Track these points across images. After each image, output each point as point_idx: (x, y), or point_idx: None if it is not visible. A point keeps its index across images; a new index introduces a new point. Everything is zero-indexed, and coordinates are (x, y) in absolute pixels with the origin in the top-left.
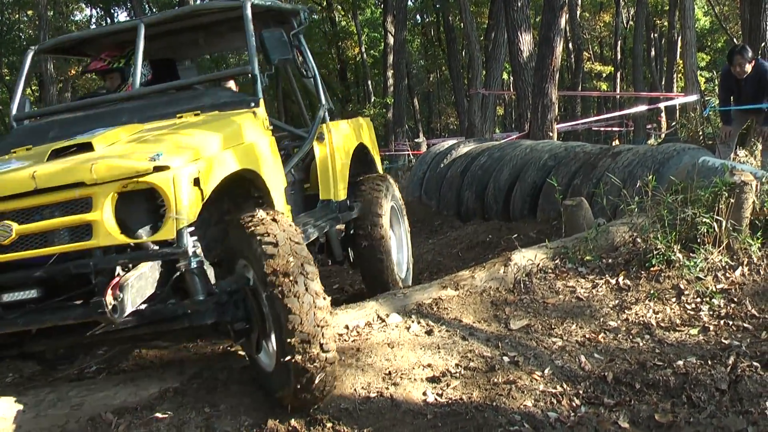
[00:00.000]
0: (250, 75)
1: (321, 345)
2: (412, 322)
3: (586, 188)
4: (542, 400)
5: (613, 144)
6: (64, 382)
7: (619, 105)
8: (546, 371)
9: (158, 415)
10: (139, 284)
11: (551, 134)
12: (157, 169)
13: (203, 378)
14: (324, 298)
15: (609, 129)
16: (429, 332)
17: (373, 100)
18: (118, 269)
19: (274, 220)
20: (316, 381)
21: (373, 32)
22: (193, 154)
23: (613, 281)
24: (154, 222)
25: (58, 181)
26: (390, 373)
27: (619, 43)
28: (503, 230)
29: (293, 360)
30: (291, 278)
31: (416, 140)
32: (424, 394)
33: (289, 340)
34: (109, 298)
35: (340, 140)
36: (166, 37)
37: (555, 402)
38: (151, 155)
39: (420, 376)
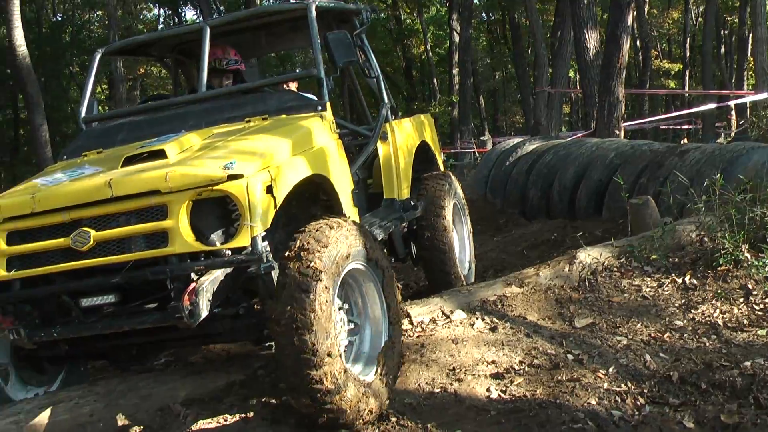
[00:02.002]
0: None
1: None
2: (477, 318)
3: (652, 187)
4: (606, 399)
5: (682, 143)
6: (134, 374)
7: (688, 103)
8: (610, 370)
9: (225, 406)
10: (213, 289)
11: (618, 132)
12: (231, 177)
13: (268, 371)
14: None
15: (677, 127)
16: (493, 329)
17: (438, 98)
18: (193, 275)
19: None
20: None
21: (439, 30)
22: (265, 162)
23: (680, 280)
24: (226, 228)
25: (133, 189)
26: (454, 369)
27: (687, 40)
28: (568, 228)
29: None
30: None
31: (482, 138)
32: (488, 390)
33: None
34: (185, 304)
35: (402, 139)
36: (229, 36)
37: (619, 401)
38: (224, 163)
39: (484, 373)
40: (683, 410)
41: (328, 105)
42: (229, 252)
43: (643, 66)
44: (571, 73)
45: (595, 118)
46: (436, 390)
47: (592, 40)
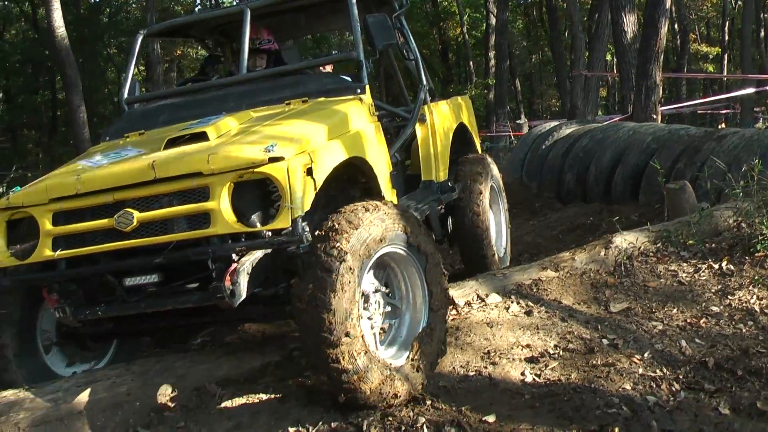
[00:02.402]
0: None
1: None
2: (512, 302)
3: (689, 172)
4: (641, 384)
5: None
6: (171, 354)
7: (726, 87)
8: (645, 355)
9: (260, 387)
10: (253, 270)
11: (655, 117)
12: (272, 159)
13: (303, 352)
14: None
15: (715, 112)
16: (528, 313)
17: (474, 80)
18: (234, 255)
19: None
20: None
21: (475, 12)
22: (305, 144)
23: (716, 266)
24: (266, 210)
25: (176, 171)
26: (489, 352)
27: (726, 23)
28: (604, 213)
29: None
30: None
31: (517, 121)
32: (523, 374)
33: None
34: (227, 284)
35: (440, 121)
36: (267, 19)
37: (654, 386)
38: (265, 146)
39: (519, 356)
40: (719, 397)
41: (367, 88)
42: (270, 233)
43: (681, 50)
44: (608, 57)
45: (632, 102)
46: (471, 373)
47: (630, 23)
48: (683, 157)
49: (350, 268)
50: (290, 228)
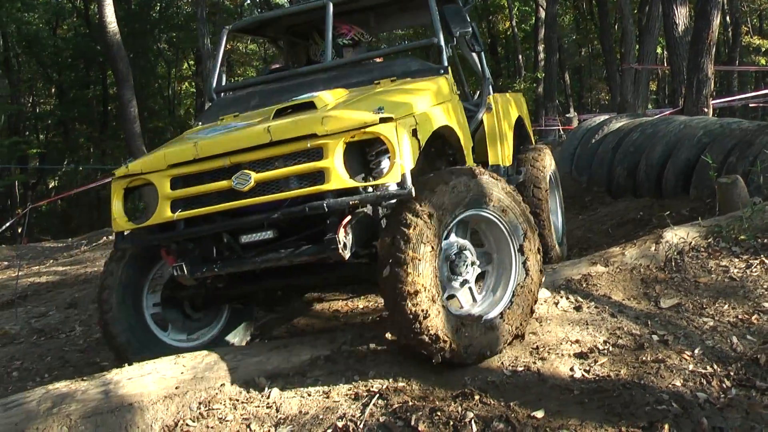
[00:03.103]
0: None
1: None
2: (561, 297)
3: (741, 166)
4: (691, 381)
5: None
6: (220, 347)
7: None
8: (696, 351)
9: (309, 380)
10: (363, 224)
11: (706, 110)
12: (383, 120)
13: (353, 347)
14: None
15: (767, 105)
16: (577, 308)
17: (523, 74)
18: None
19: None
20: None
21: (524, 6)
22: (409, 109)
23: None
24: (374, 168)
25: (291, 134)
26: (537, 347)
27: None
28: (655, 207)
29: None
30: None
31: (567, 115)
32: (572, 369)
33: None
34: (341, 236)
35: (504, 110)
36: (347, 15)
37: (704, 383)
38: (374, 109)
39: (567, 352)
40: None
41: (449, 70)
42: (378, 188)
43: (733, 42)
44: (659, 50)
45: (683, 96)
46: (519, 368)
47: (681, 15)
48: (735, 151)
49: (430, 226)
50: (400, 183)
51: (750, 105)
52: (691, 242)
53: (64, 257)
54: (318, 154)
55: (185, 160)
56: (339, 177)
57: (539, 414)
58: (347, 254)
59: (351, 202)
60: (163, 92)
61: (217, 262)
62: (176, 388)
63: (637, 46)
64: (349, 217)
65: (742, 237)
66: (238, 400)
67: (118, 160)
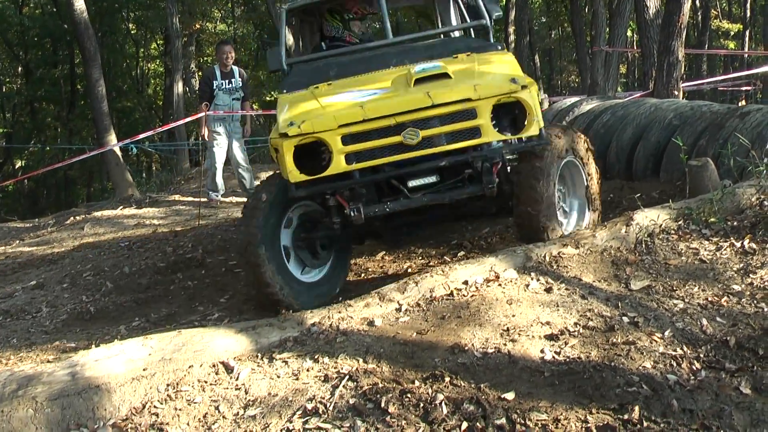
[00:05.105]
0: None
1: None
2: (531, 279)
3: (712, 149)
4: (662, 362)
5: (740, 104)
6: (188, 328)
7: (747, 64)
8: (666, 333)
9: (278, 362)
10: (504, 167)
11: (677, 93)
12: (523, 88)
13: (322, 328)
14: None
15: (736, 89)
16: (548, 290)
17: None
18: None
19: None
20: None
21: None
22: (527, 78)
23: (738, 244)
24: (513, 125)
25: (450, 98)
26: (508, 329)
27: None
28: (625, 189)
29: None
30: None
31: None
32: (542, 351)
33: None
34: (495, 177)
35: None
36: None
37: (675, 365)
38: (510, 78)
39: (538, 334)
40: (740, 376)
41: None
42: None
43: (702, 26)
44: (629, 33)
45: (653, 78)
46: (490, 350)
47: None
48: (706, 134)
49: (551, 163)
50: (538, 135)
51: (719, 88)
52: (661, 224)
53: (31, 237)
54: (472, 114)
55: (354, 120)
56: (493, 131)
57: (510, 396)
58: (495, 191)
59: (505, 151)
60: (132, 71)
61: (387, 202)
62: (144, 369)
63: (608, 29)
64: (500, 162)
65: (713, 219)
66: (206, 382)
67: (85, 140)
